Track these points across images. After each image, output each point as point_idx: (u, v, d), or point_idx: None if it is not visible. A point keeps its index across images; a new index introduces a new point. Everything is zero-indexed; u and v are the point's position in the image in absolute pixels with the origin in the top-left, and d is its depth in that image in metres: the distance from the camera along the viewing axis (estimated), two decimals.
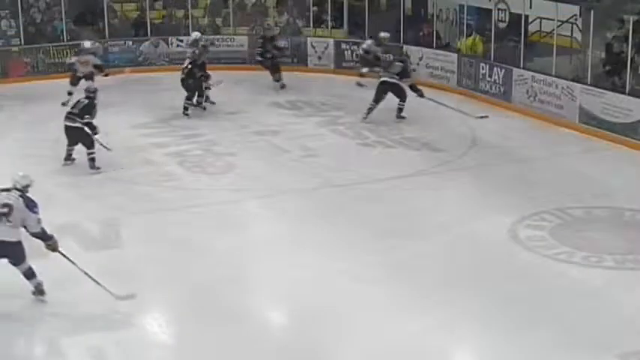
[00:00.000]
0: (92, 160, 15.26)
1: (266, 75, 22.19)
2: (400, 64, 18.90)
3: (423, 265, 11.30)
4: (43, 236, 10.46)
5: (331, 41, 24.39)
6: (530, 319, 9.72)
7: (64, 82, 20.18)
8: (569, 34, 19.27)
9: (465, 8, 21.68)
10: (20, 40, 23.76)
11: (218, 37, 24.95)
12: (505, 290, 10.53)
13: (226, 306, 10.20)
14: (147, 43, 24.69)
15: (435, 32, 22.53)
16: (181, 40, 24.59)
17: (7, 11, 23.95)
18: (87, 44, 21.17)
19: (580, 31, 18.96)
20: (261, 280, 11.05)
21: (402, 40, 22.95)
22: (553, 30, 19.16)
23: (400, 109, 18.35)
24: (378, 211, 13.21)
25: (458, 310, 10.01)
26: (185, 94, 18.86)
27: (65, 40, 24.13)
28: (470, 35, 21.40)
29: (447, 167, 15.28)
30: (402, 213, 13.13)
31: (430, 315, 9.88)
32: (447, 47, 22.18)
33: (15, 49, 23.44)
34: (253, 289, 10.80)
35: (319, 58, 24.43)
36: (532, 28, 20.10)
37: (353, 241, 12.05)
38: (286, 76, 21.89)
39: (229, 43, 24.82)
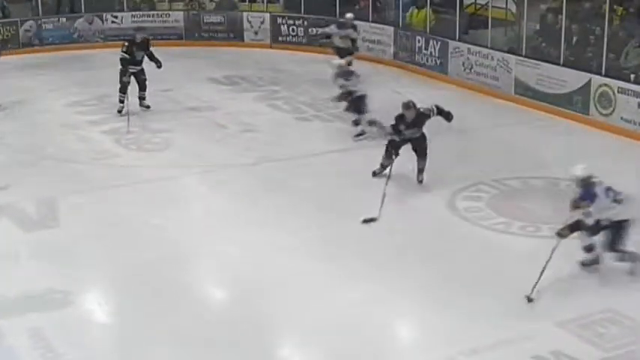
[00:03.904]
0: None
1: (203, 51, 22.18)
2: None
3: (364, 238, 11.33)
4: None
5: (267, 16, 24.31)
6: (469, 290, 9.81)
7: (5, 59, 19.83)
8: (503, 6, 19.39)
9: None
10: None
11: (153, 12, 24.78)
12: (444, 261, 10.62)
13: (167, 283, 10.14)
14: (81, 19, 24.37)
15: (370, 5, 22.56)
16: (116, 17, 24.36)
17: None
18: None
19: (515, 3, 19.09)
20: (202, 256, 11.00)
21: (337, 14, 22.97)
22: (488, 2, 19.30)
23: None
24: (318, 186, 13.21)
25: (399, 281, 10.07)
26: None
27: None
28: (422, 8, 21.38)
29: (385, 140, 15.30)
30: (342, 187, 13.13)
31: (371, 287, 9.91)
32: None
33: None
34: (194, 266, 10.75)
35: (255, 33, 24.34)
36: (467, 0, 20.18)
37: (294, 216, 12.05)
38: (222, 51, 21.82)
39: (165, 18, 24.61)
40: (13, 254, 11.07)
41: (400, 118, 13.04)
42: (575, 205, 9.98)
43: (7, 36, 23.32)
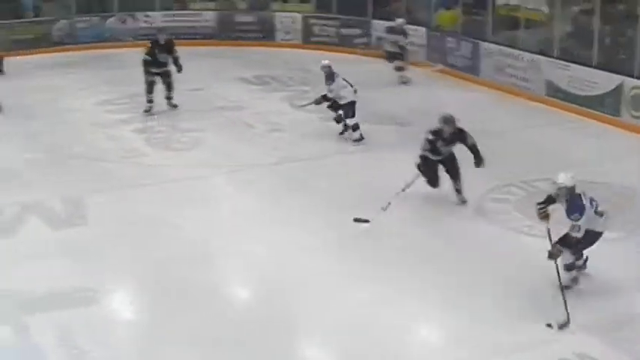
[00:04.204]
0: None
1: (233, 50, 22.22)
2: None
3: (388, 239, 11.23)
4: None
5: (299, 16, 24.32)
6: (493, 292, 9.75)
7: (29, 58, 19.94)
8: (536, 7, 19.27)
9: None
10: None
11: (185, 12, 24.88)
12: (469, 263, 10.54)
13: (192, 282, 10.15)
14: (113, 18, 24.50)
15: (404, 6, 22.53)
16: (148, 16, 24.44)
17: None
18: None
19: (547, 4, 18.97)
20: (228, 255, 10.98)
21: (370, 15, 22.95)
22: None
23: None
24: (342, 186, 13.16)
25: (422, 283, 9.99)
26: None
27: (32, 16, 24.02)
28: (449, 8, 21.37)
29: (413, 141, 15.14)
30: (365, 187, 13.00)
31: (393, 288, 9.86)
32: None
33: None
34: (219, 265, 10.76)
35: (287, 32, 24.37)
36: (500, 1, 20.04)
37: (316, 216, 12.01)
38: (253, 51, 21.78)
39: (196, 18, 24.70)
40: (41, 252, 11.09)
41: (438, 133, 11.82)
42: (544, 215, 9.73)
43: (39, 35, 23.51)
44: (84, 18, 24.34)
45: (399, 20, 19.84)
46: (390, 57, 19.64)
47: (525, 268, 10.28)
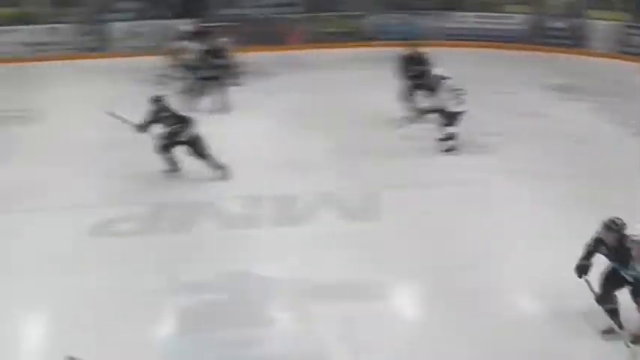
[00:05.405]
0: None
1: (543, 56, 21.80)
2: None
3: None
4: None
5: (615, 24, 23.43)
6: None
7: (339, 52, 20.35)
8: None
9: None
10: (299, 9, 24.46)
11: (496, 14, 24.71)
12: None
13: (473, 287, 10.09)
14: (425, 17, 24.64)
15: None
16: (461, 17, 24.50)
17: None
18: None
19: None
20: (507, 264, 10.75)
21: None
22: None
23: None
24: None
25: None
26: None
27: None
28: None
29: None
30: None
31: None
32: None
33: (294, 16, 24.08)
34: (500, 272, 10.54)
35: (601, 41, 23.53)
36: None
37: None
38: (563, 58, 21.20)
39: (507, 20, 24.45)
40: (332, 242, 11.36)
41: (599, 242, 9.00)
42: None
43: (351, 29, 24.14)
44: (394, 15, 24.69)
45: None
46: None
47: None
